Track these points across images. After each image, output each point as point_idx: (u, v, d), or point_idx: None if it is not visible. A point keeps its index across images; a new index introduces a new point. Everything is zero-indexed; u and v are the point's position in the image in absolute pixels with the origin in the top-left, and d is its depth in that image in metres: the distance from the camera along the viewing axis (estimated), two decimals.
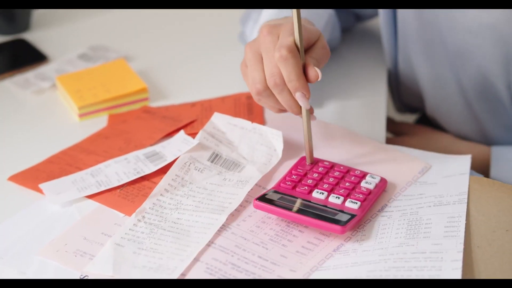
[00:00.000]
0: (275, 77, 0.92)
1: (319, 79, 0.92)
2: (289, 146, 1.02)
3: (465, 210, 0.88)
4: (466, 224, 0.87)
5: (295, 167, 0.96)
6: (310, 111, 0.94)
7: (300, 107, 0.94)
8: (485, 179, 0.94)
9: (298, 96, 0.92)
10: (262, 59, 0.94)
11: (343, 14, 1.27)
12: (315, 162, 0.97)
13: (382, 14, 1.20)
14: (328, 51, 0.96)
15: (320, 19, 1.15)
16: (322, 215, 0.88)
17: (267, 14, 1.14)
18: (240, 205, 0.93)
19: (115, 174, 0.98)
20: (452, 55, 1.14)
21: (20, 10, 1.34)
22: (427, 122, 1.37)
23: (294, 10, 0.91)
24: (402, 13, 1.17)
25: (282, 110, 0.98)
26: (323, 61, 0.95)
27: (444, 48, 1.14)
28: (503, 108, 1.16)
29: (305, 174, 0.95)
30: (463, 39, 1.11)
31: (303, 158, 0.98)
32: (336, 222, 0.87)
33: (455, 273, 0.80)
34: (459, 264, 0.81)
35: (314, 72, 0.92)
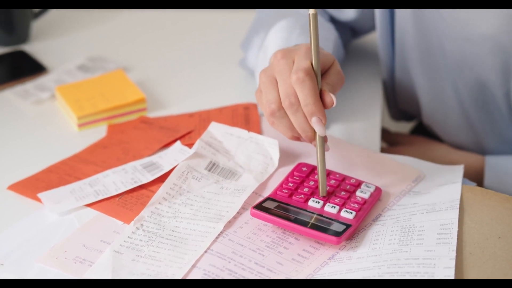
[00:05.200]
0: (290, 97, 0.90)
1: (334, 106, 0.90)
2: (285, 154, 1.02)
3: (457, 217, 0.89)
4: (459, 231, 0.87)
5: (292, 174, 0.97)
6: (324, 140, 0.92)
7: (314, 132, 0.91)
8: (478, 188, 0.94)
9: (314, 121, 0.89)
10: (276, 82, 0.92)
11: (339, 30, 1.26)
12: (311, 169, 0.98)
13: (380, 23, 1.19)
14: (342, 76, 0.94)
15: (328, 42, 1.14)
16: (318, 225, 0.89)
17: (274, 41, 1.11)
18: (237, 212, 0.93)
19: (113, 184, 0.98)
20: (450, 64, 1.14)
21: (19, 22, 1.35)
22: (422, 132, 1.38)
23: (311, 18, 0.89)
24: (400, 21, 1.16)
25: (296, 137, 0.94)
26: (338, 87, 0.93)
27: (443, 57, 1.14)
28: (500, 118, 1.17)
29: (302, 182, 0.95)
30: (462, 48, 1.10)
31: (300, 165, 0.98)
32: (332, 232, 0.88)
33: None
34: (452, 271, 0.82)
35: (330, 98, 0.90)
